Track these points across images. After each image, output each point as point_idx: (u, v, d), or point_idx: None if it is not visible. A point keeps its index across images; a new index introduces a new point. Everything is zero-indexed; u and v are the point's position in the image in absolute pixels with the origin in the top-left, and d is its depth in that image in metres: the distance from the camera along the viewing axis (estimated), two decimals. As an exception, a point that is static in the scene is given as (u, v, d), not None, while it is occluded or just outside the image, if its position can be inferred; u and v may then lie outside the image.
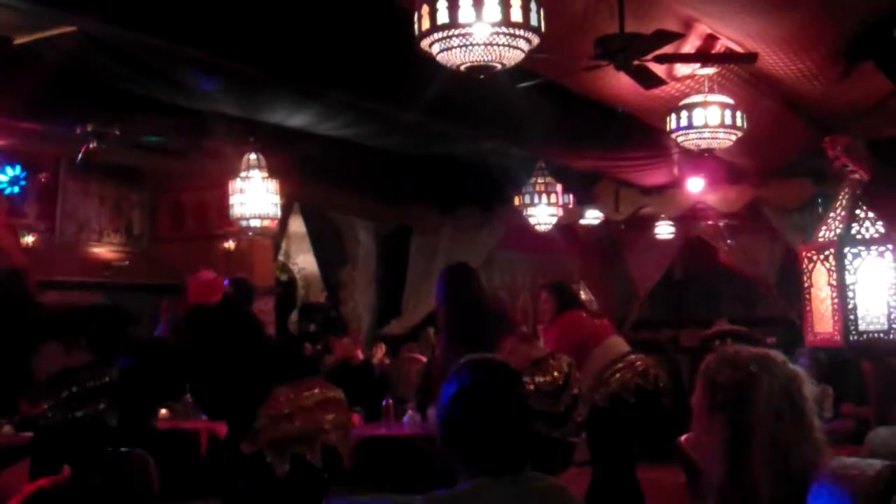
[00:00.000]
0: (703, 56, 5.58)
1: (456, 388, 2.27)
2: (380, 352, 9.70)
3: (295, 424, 4.53)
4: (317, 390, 4.67)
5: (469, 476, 2.20)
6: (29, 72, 5.55)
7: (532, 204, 8.55)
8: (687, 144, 6.04)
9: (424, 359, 8.73)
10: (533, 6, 3.61)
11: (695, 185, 8.94)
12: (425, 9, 3.62)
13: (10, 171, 8.22)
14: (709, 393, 2.30)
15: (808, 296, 5.21)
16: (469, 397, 2.24)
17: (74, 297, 8.68)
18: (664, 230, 11.27)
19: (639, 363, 6.46)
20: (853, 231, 5.03)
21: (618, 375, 6.40)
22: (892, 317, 4.92)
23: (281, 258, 11.40)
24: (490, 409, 2.22)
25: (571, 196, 9.14)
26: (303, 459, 4.51)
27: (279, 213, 7.94)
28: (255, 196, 7.56)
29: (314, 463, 4.55)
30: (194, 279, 5.17)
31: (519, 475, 2.20)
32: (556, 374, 5.41)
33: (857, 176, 4.96)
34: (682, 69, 5.85)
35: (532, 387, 5.13)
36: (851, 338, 4.95)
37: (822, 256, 5.10)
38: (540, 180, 8.53)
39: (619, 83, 5.61)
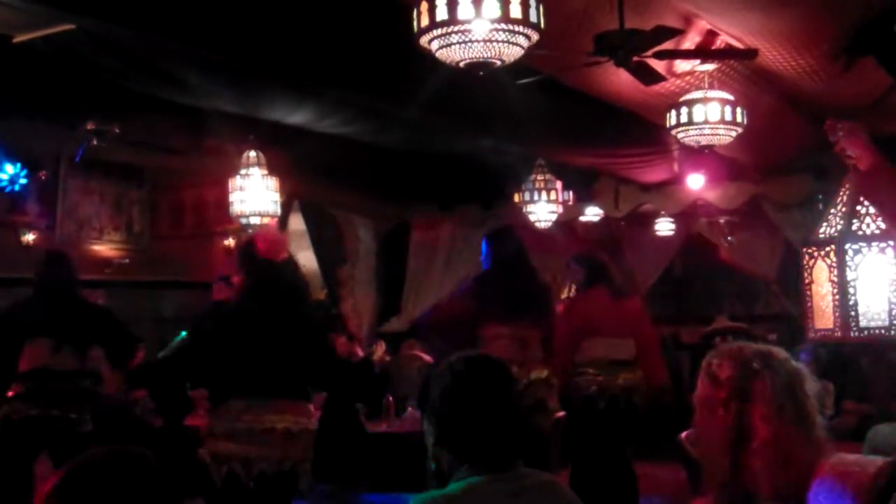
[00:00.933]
0: (702, 52, 5.57)
1: (448, 383, 2.26)
2: (380, 349, 9.70)
3: (224, 445, 4.18)
4: (272, 416, 4.14)
5: (462, 474, 2.19)
6: (28, 69, 5.55)
7: (532, 201, 8.54)
8: (687, 141, 6.03)
9: (425, 356, 8.74)
10: (532, 2, 3.61)
11: (695, 182, 8.93)
12: (424, 5, 3.61)
13: (10, 170, 8.22)
14: (710, 388, 2.29)
15: (808, 292, 5.20)
16: (462, 392, 2.23)
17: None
18: (664, 227, 11.27)
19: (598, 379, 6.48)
20: (854, 227, 5.02)
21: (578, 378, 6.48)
22: (894, 313, 4.91)
23: (281, 256, 11.39)
24: (483, 404, 2.22)
25: (571, 193, 9.13)
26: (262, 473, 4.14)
27: (279, 211, 7.94)
28: (254, 194, 7.56)
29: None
30: (261, 235, 4.84)
31: (512, 472, 2.20)
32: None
33: (855, 163, 4.94)
34: (681, 65, 5.84)
35: None
36: (852, 334, 4.95)
37: (822, 252, 5.09)
38: (539, 177, 8.52)
39: (619, 79, 5.60)
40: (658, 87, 5.72)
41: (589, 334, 6.58)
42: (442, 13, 3.57)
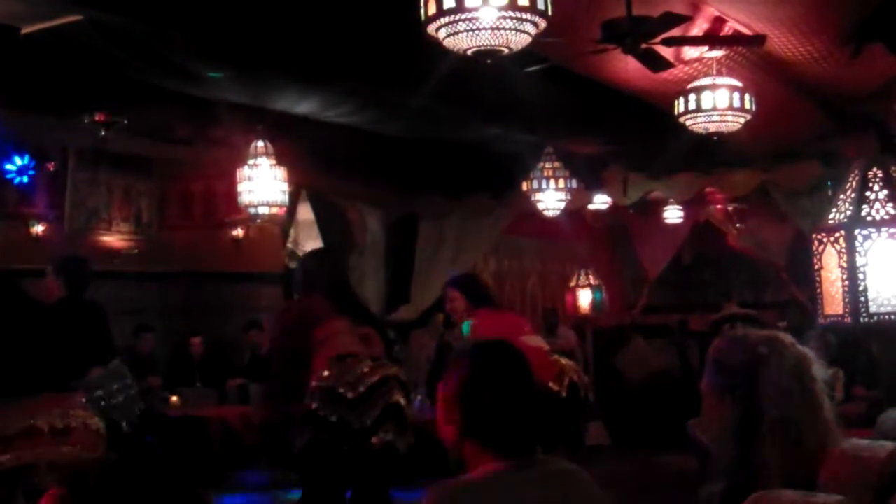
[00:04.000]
0: (711, 39, 5.55)
1: (471, 371, 2.25)
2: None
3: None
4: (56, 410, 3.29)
5: (483, 462, 2.18)
6: (36, 61, 5.56)
7: (540, 189, 8.53)
8: (696, 128, 6.02)
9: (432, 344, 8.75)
10: (540, -11, 3.60)
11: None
12: (432, -7, 3.61)
13: (18, 161, 8.24)
14: (718, 375, 2.29)
15: (818, 278, 5.21)
16: (486, 379, 2.22)
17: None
18: (673, 214, 11.26)
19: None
20: (863, 213, 5.02)
21: None
22: (904, 298, 4.90)
23: (289, 245, 11.40)
24: (507, 390, 2.21)
25: (578, 181, 9.12)
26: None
27: (287, 201, 7.95)
28: (263, 183, 7.57)
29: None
30: None
31: (533, 459, 2.19)
32: (364, 369, 4.62)
33: None
34: (689, 52, 5.83)
35: (321, 383, 4.51)
36: (862, 319, 4.95)
37: (832, 238, 5.09)
38: (548, 165, 8.51)
39: (627, 67, 5.59)
40: (666, 74, 5.71)
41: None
42: (449, 1, 3.56)
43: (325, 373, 4.58)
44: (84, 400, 3.93)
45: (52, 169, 8.96)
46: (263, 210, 7.67)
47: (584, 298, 11.28)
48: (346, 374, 4.59)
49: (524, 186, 8.70)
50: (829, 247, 5.10)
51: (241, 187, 7.63)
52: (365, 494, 4.71)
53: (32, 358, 3.56)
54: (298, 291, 5.01)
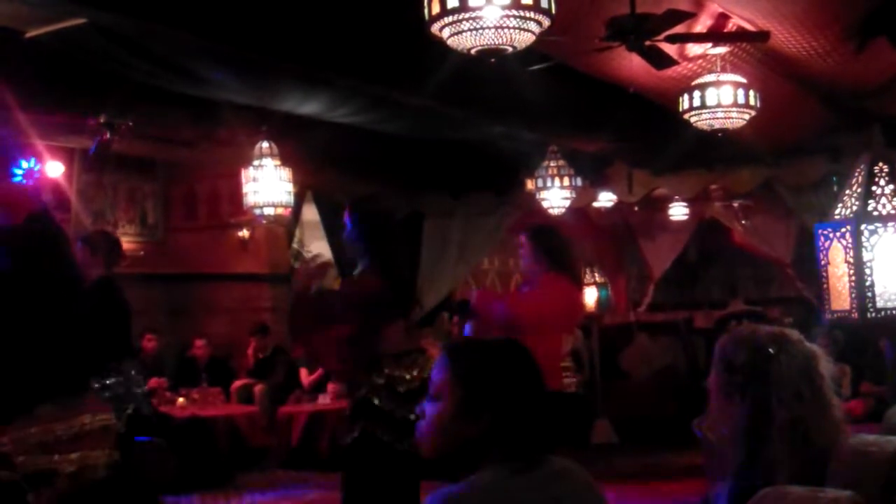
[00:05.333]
0: (714, 35, 5.55)
1: (485, 371, 2.22)
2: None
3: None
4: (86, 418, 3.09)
5: (488, 464, 2.15)
6: (40, 64, 5.57)
7: (545, 188, 8.53)
8: (700, 125, 6.01)
9: (439, 344, 8.75)
10: (543, -12, 3.60)
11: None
12: (435, -7, 3.61)
13: (24, 164, 8.25)
14: (725, 374, 2.29)
15: (824, 274, 5.19)
16: (500, 379, 2.20)
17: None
18: (678, 212, 11.24)
19: None
20: (870, 208, 5.00)
21: None
22: (910, 294, 4.89)
23: (295, 246, 11.42)
24: (522, 391, 2.19)
25: (582, 179, 9.10)
26: None
27: (292, 201, 7.95)
28: (268, 184, 7.58)
29: None
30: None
31: (536, 459, 2.17)
32: (416, 372, 4.53)
33: None
34: (693, 49, 5.82)
35: (381, 381, 4.44)
36: (869, 315, 4.93)
37: (838, 234, 5.07)
38: (552, 164, 8.51)
39: (631, 64, 5.59)
40: (670, 72, 5.70)
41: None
42: (453, 0, 3.56)
43: (385, 369, 4.55)
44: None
45: (57, 172, 8.98)
46: (269, 211, 7.68)
47: (590, 296, 11.27)
48: (404, 370, 4.53)
49: (529, 185, 8.69)
50: (835, 242, 5.08)
51: (246, 188, 7.64)
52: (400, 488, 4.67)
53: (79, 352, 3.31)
54: (360, 255, 4.43)
